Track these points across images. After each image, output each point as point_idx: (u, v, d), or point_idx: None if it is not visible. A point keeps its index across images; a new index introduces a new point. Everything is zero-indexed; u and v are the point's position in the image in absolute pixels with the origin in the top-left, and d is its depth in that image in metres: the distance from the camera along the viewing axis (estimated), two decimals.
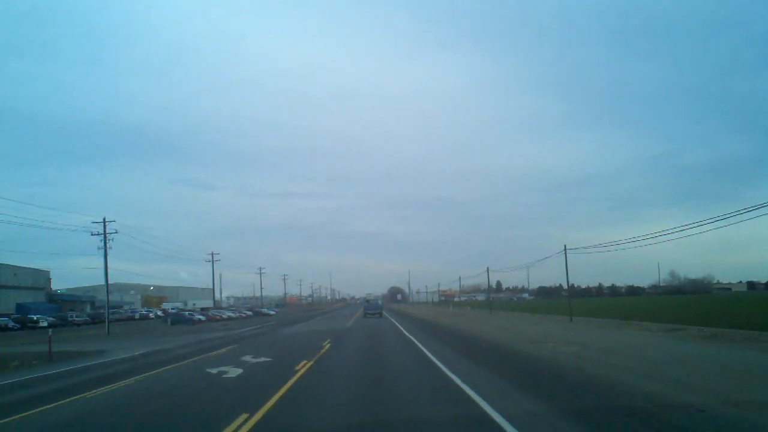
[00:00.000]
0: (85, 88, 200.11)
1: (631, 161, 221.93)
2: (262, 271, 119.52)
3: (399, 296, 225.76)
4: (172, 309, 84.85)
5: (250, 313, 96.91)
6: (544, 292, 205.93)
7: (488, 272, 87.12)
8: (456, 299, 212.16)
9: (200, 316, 70.31)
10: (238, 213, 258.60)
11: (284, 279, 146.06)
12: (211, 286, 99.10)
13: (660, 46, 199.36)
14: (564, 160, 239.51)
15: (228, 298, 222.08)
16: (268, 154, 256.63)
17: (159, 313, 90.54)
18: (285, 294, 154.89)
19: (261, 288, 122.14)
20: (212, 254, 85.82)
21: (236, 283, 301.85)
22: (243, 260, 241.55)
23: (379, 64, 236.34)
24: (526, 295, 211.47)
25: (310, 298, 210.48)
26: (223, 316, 78.12)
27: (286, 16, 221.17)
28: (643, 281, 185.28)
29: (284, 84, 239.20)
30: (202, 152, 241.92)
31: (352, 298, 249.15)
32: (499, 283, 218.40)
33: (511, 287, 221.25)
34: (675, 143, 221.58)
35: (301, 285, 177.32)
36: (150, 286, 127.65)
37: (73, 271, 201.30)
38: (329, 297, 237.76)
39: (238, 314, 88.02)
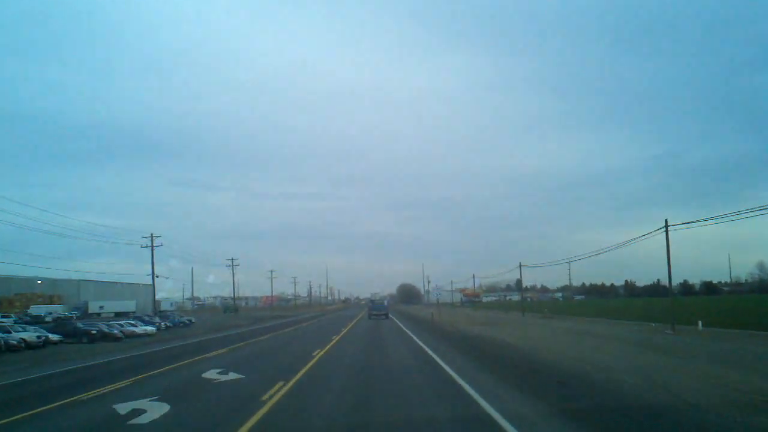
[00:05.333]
0: (85, 89, 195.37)
1: (634, 161, 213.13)
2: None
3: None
4: None
5: (43, 336, 36.97)
6: (596, 291, 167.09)
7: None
8: (484, 299, 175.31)
9: None
10: (238, 213, 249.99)
11: (232, 267, 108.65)
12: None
13: (663, 45, 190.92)
14: (567, 160, 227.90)
15: (214, 297, 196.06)
16: (267, 155, 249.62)
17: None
18: (234, 293, 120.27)
19: (153, 280, 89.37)
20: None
21: (230, 283, 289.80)
22: (241, 261, 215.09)
23: (379, 64, 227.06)
24: (559, 295, 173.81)
25: (307, 299, 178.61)
26: None
27: (285, 15, 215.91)
28: (714, 276, 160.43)
29: (284, 84, 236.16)
30: (202, 153, 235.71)
31: (357, 298, 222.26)
32: (519, 282, 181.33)
33: (529, 286, 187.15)
34: (678, 143, 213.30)
35: (272, 279, 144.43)
36: (38, 279, 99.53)
37: None
38: (329, 297, 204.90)
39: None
